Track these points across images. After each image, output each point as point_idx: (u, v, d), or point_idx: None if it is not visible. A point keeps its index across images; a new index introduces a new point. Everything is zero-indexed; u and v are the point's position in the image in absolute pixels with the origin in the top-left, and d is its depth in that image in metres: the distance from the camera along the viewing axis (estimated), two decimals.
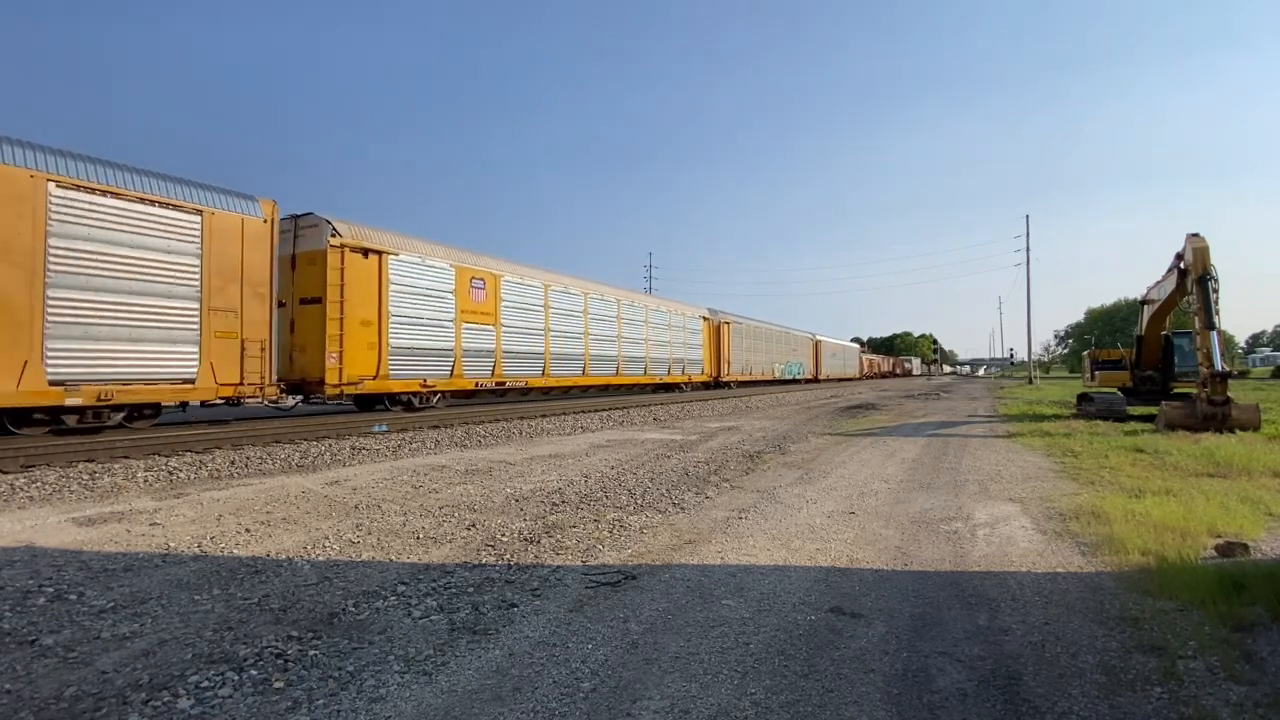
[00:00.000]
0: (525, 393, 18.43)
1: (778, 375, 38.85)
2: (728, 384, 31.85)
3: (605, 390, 23.53)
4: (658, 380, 25.44)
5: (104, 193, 8.92)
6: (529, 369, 17.56)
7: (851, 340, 78.33)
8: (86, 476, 7.06)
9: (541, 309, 18.15)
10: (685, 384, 28.00)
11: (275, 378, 10.92)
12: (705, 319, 30.15)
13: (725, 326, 31.37)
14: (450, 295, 14.97)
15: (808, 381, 45.39)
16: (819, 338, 49.16)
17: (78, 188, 8.65)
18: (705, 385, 30.60)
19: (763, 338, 36.99)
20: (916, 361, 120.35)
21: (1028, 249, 50.44)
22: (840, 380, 56.14)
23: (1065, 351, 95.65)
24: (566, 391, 21.17)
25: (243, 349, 10.42)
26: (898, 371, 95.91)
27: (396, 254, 13.70)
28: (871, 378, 73.64)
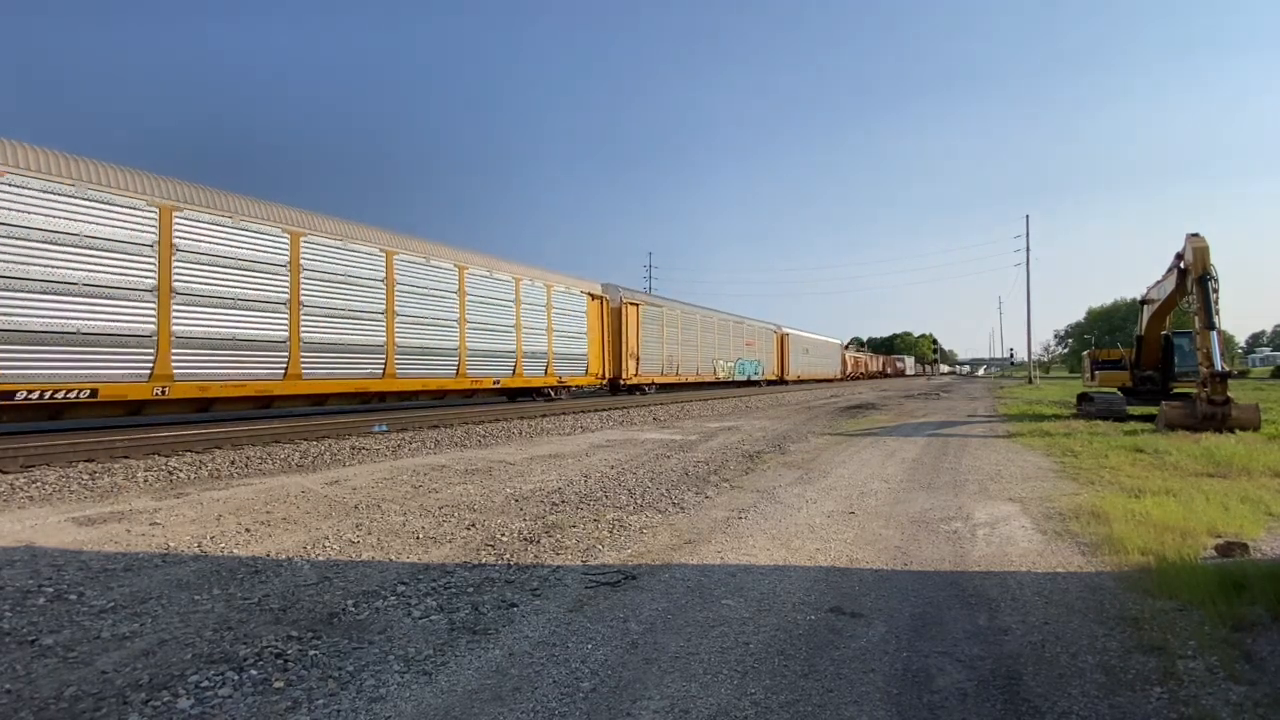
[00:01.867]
0: (134, 410, 10.00)
1: (722, 376, 31.00)
2: (639, 388, 23.54)
3: (369, 402, 13.90)
4: (489, 385, 16.14)
5: None
6: (117, 364, 9.42)
7: (850, 340, 76.66)
8: (86, 476, 7.06)
9: (150, 249, 9.81)
10: (555, 389, 19.22)
11: None
12: (594, 297, 21.17)
13: (630, 310, 22.89)
14: None
15: (770, 383, 38.23)
16: (785, 330, 41.25)
17: None
18: (599, 390, 22.79)
19: (697, 328, 28.76)
20: (910, 360, 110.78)
21: (1028, 249, 50.50)
22: (818, 381, 48.85)
23: (1065, 351, 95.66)
24: (266, 405, 11.91)
25: None
26: (888, 371, 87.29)
27: None
28: (856, 378, 64.70)
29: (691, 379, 28.24)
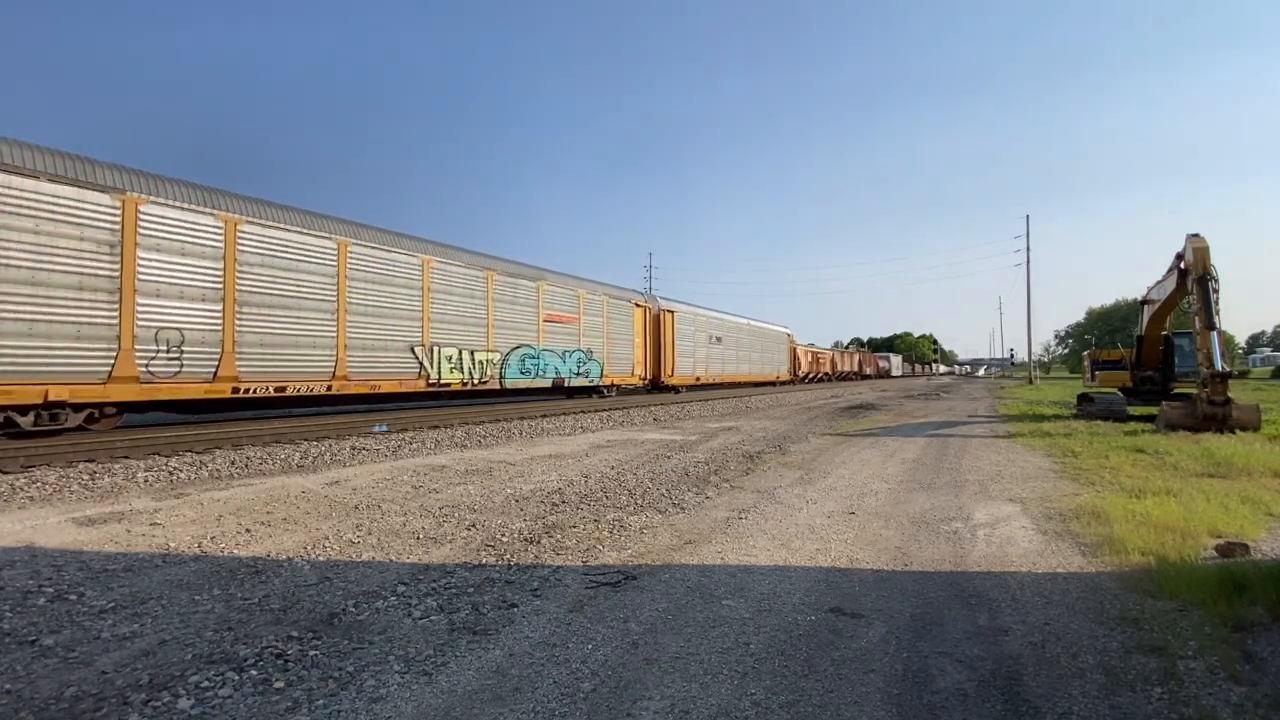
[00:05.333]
0: None
1: (459, 379, 15.58)
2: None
3: None
4: None
5: None
6: None
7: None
8: (86, 476, 7.06)
9: None
10: None
11: None
12: None
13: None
14: None
15: (631, 391, 25.18)
16: (668, 306, 26.33)
17: None
18: None
19: (329, 275, 12.67)
20: (897, 360, 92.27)
21: (1028, 249, 50.54)
22: (749, 384, 34.67)
23: (1065, 352, 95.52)
24: None
25: None
26: (867, 372, 70.60)
27: None
28: (818, 381, 49.35)
29: (326, 387, 12.38)
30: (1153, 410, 13.31)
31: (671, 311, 26.38)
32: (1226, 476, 7.12)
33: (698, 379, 28.53)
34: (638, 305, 24.28)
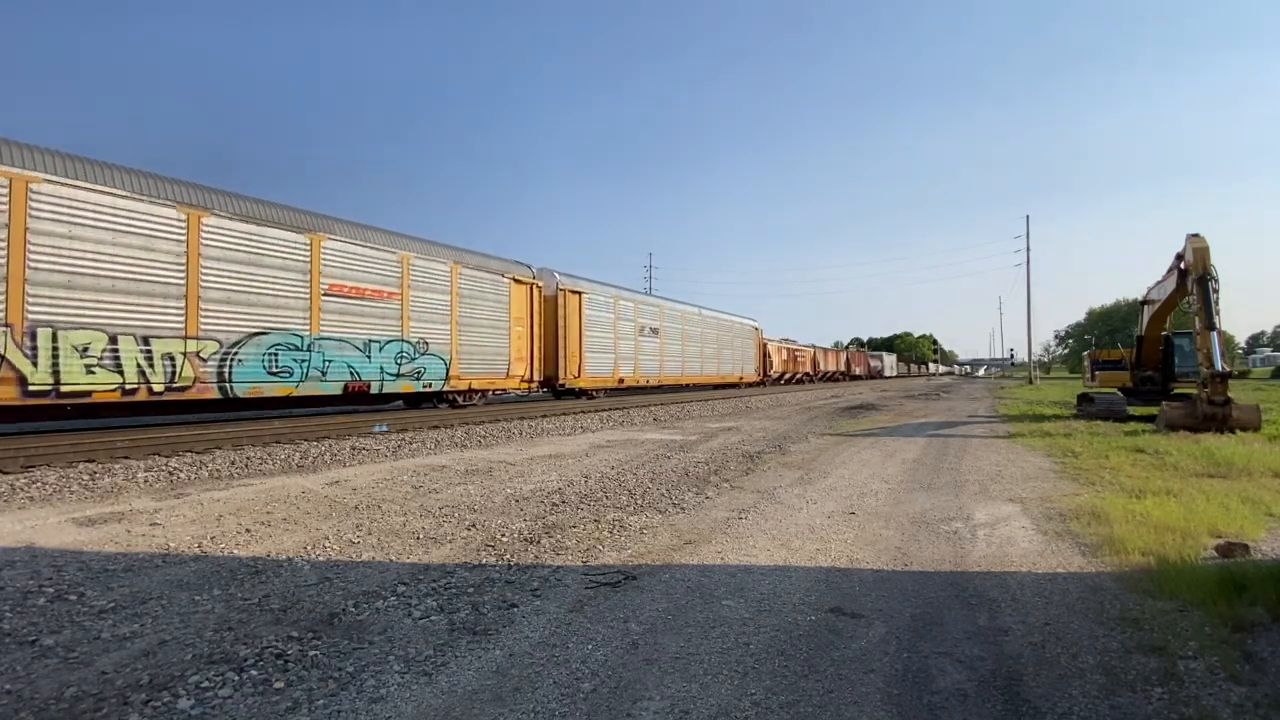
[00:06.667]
0: None
1: (184, 382, 9.77)
2: None
3: None
4: None
5: None
6: None
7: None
8: (86, 476, 7.06)
9: None
10: None
11: None
12: None
13: None
14: None
15: (520, 399, 20.22)
16: (574, 286, 19.66)
17: None
18: None
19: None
20: (890, 359, 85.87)
21: (1028, 249, 50.63)
22: (712, 387, 29.39)
23: (1065, 352, 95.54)
24: None
25: None
26: (857, 371, 63.58)
27: None
28: (796, 382, 43.70)
29: None
30: (1153, 410, 13.31)
31: (578, 292, 19.62)
32: (1226, 476, 7.12)
33: (620, 381, 21.93)
34: (518, 281, 16.99)
